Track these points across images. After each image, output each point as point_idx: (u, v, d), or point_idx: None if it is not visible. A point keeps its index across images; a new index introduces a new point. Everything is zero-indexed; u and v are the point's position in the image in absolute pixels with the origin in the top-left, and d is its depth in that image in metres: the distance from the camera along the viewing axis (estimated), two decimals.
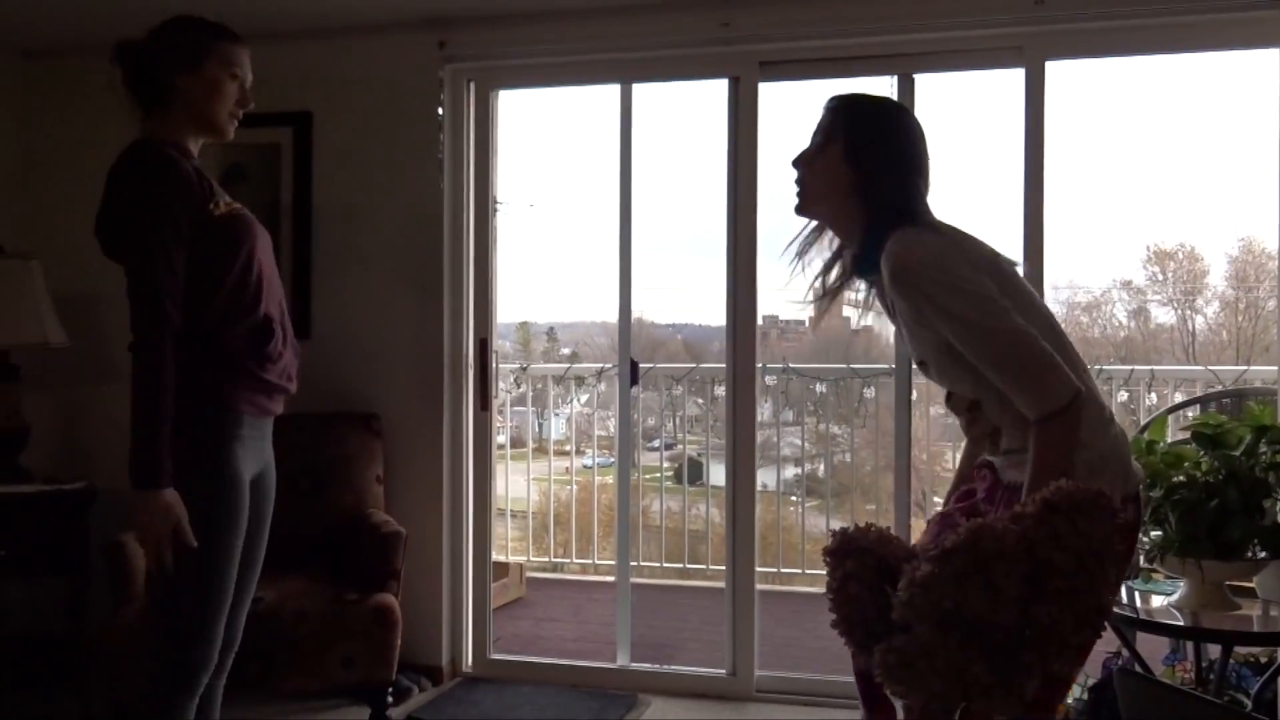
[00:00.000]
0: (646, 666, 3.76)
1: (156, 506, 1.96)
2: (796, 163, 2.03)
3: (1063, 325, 1.96)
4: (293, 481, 3.32)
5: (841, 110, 2.01)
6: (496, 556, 3.99)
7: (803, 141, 2.04)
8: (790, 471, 6.28)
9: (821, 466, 6.51)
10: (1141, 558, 2.87)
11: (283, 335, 2.19)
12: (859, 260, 2.00)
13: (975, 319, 1.79)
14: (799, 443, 6.85)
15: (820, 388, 5.27)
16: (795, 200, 2.04)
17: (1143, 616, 2.57)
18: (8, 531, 3.28)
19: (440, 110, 3.67)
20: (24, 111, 4.02)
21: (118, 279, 4.09)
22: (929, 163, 2.00)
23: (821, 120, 2.03)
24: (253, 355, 2.11)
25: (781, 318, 9.97)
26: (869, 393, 5.30)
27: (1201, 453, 2.58)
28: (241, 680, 2.81)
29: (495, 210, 3.81)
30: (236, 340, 2.10)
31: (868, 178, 1.94)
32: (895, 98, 3.43)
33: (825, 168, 1.98)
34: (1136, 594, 2.69)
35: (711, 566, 5.56)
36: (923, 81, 3.42)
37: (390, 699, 3.10)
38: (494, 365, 3.80)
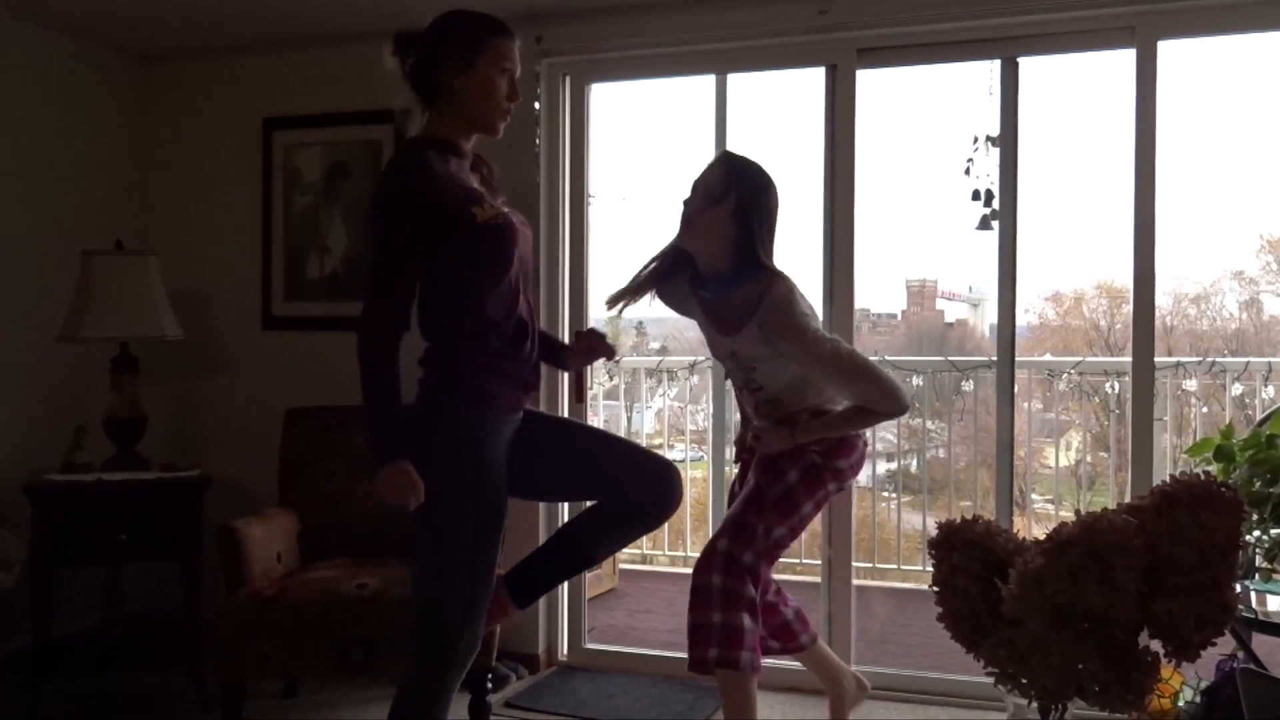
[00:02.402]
0: None
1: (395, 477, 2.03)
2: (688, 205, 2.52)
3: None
4: None
5: (734, 171, 2.51)
6: None
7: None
8: (883, 467, 6.18)
9: (914, 462, 6.39)
10: (1260, 557, 2.76)
11: (532, 334, 2.23)
12: (717, 282, 2.52)
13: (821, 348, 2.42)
14: (892, 438, 6.75)
15: (916, 381, 5.16)
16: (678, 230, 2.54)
17: (1261, 618, 2.46)
18: (128, 517, 3.43)
19: (536, 104, 3.71)
20: (140, 115, 4.20)
21: (227, 274, 4.25)
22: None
23: (711, 174, 2.52)
24: (511, 355, 2.15)
25: (873, 311, 9.82)
26: (967, 386, 5.19)
27: None
28: (346, 664, 2.91)
29: (589, 204, 3.84)
30: (496, 341, 2.13)
31: (748, 233, 2.47)
32: (998, 82, 3.36)
33: (713, 220, 2.48)
34: (1253, 594, 2.59)
35: (805, 560, 5.52)
36: (1026, 65, 3.34)
37: (490, 685, 3.15)
38: None
